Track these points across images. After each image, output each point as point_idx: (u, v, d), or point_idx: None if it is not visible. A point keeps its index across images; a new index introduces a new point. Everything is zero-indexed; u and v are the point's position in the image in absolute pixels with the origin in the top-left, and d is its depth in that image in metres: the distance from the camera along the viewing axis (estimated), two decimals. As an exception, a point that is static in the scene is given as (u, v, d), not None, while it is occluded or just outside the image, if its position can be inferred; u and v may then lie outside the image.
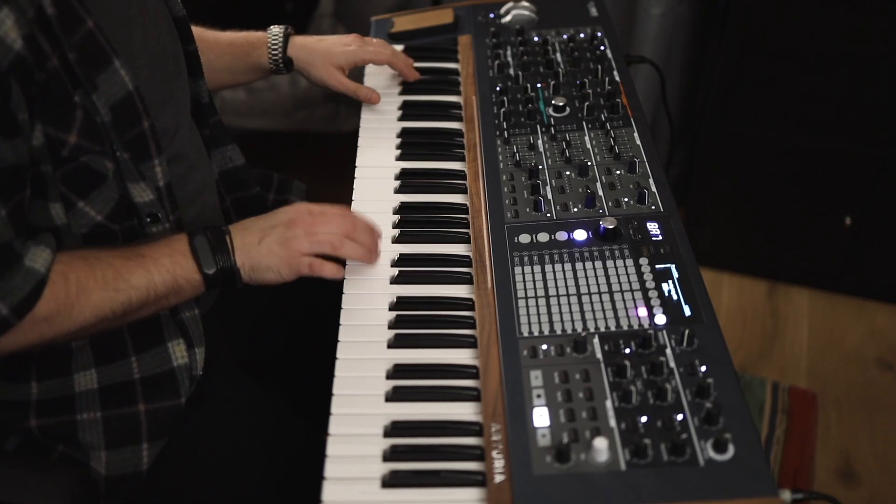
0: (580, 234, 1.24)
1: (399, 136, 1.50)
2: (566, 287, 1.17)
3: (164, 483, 1.22)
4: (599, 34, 1.63)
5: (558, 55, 1.60)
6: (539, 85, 1.53)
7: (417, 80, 1.61)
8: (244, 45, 1.51)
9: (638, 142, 1.39)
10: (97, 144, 1.07)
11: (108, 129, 1.07)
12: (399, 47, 1.69)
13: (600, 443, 0.97)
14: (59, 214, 1.07)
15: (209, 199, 1.34)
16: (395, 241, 1.31)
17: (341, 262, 1.23)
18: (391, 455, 1.03)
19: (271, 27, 1.52)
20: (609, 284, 1.17)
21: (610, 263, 1.20)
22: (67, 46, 1.02)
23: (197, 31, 1.40)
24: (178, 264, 1.13)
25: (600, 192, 1.31)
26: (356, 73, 1.59)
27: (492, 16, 1.72)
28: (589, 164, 1.35)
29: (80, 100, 1.04)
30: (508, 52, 1.62)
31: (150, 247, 1.14)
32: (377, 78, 1.62)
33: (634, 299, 1.15)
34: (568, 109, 1.47)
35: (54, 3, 1.00)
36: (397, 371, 1.13)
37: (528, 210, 1.29)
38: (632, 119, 1.44)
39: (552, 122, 1.45)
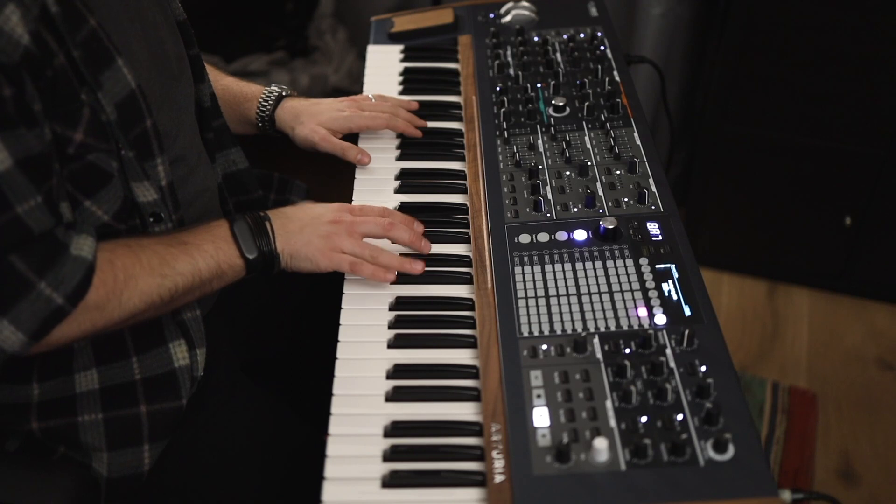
0: (580, 234, 1.24)
1: (399, 135, 1.50)
2: (566, 287, 1.17)
3: (166, 483, 1.22)
4: (599, 34, 1.63)
5: (558, 55, 1.60)
6: (539, 85, 1.53)
7: (417, 80, 1.61)
8: (237, 95, 1.48)
9: (638, 142, 1.39)
10: (103, 142, 1.07)
11: (113, 128, 1.08)
12: (399, 47, 1.69)
13: (600, 443, 0.97)
14: (65, 214, 1.07)
15: (209, 201, 1.34)
16: (395, 241, 1.31)
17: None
18: (391, 455, 1.03)
19: (273, 84, 1.50)
20: (609, 284, 1.17)
21: (610, 263, 1.20)
22: (72, 44, 1.02)
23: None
24: (220, 250, 1.16)
25: (600, 192, 1.31)
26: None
27: (492, 16, 1.72)
28: (589, 164, 1.35)
29: (87, 98, 1.04)
30: (508, 52, 1.62)
31: (191, 234, 1.16)
32: (377, 79, 1.62)
33: (634, 299, 1.15)
34: (568, 109, 1.47)
35: (58, 2, 1.00)
36: (397, 371, 1.13)
37: (528, 210, 1.29)
38: (632, 119, 1.44)
39: (552, 122, 1.45)
